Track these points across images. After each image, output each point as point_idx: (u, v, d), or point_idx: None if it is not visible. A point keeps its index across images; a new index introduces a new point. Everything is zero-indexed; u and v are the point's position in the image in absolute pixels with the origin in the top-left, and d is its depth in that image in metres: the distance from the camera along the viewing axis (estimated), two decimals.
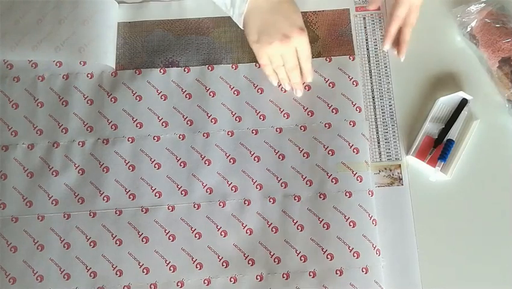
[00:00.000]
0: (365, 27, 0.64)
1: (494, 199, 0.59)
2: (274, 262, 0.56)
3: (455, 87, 0.62)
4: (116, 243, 0.56)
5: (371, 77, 0.62)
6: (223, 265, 0.56)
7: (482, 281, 0.56)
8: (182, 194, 0.58)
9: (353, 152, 0.59)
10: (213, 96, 0.61)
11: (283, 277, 0.55)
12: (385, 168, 0.60)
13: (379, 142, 0.61)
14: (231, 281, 0.55)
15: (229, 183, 0.58)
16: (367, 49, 0.63)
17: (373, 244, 0.56)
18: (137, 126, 0.60)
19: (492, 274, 0.57)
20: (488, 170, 0.60)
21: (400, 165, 0.60)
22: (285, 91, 0.60)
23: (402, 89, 0.62)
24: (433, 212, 0.58)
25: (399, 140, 0.60)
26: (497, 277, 0.57)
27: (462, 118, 0.61)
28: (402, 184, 0.59)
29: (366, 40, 0.64)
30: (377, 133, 0.61)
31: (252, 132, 0.60)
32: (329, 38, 0.64)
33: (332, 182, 0.58)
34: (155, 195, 0.58)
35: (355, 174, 0.58)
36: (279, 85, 0.60)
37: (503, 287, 0.57)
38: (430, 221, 0.58)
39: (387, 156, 0.60)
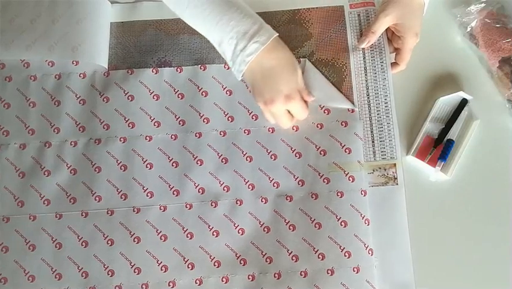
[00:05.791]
0: (359, 24, 0.64)
1: (494, 199, 0.59)
2: (266, 261, 0.56)
3: (455, 87, 0.62)
4: (108, 243, 0.56)
5: (366, 74, 0.62)
6: (214, 265, 0.56)
7: (476, 281, 0.56)
8: (174, 194, 0.58)
9: (345, 152, 0.59)
10: (205, 96, 0.61)
11: (275, 276, 0.55)
12: (380, 168, 0.59)
13: (373, 141, 0.60)
14: (222, 281, 0.55)
15: (221, 183, 0.58)
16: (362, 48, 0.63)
17: (365, 244, 0.56)
18: (129, 126, 0.60)
19: (487, 275, 0.56)
20: (488, 170, 0.60)
21: (395, 164, 0.59)
22: None
23: (402, 89, 0.62)
24: (431, 212, 0.58)
25: (395, 139, 0.60)
26: (491, 278, 0.56)
27: (462, 118, 0.61)
28: (397, 183, 0.59)
29: (361, 37, 0.63)
30: (371, 132, 0.60)
31: (244, 132, 0.60)
32: (322, 35, 0.63)
33: (323, 182, 0.58)
34: (147, 196, 0.58)
35: (346, 174, 0.58)
36: None
37: (497, 288, 0.57)
38: (428, 221, 0.58)
39: (382, 155, 0.60)
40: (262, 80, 0.52)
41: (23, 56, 0.61)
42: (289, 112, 0.56)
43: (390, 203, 0.58)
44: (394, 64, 0.62)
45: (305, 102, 0.57)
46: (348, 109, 0.60)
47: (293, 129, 0.60)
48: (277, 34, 0.52)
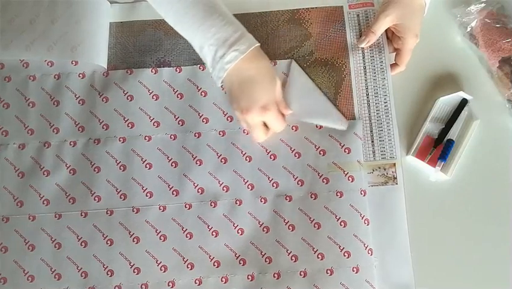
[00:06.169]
0: (359, 24, 0.64)
1: (494, 199, 0.59)
2: (266, 262, 0.56)
3: (455, 87, 0.62)
4: (107, 243, 0.56)
5: (365, 74, 0.62)
6: (214, 265, 0.56)
7: (476, 281, 0.56)
8: (173, 194, 0.58)
9: (345, 151, 0.59)
10: (205, 96, 0.61)
11: (274, 276, 0.55)
12: (379, 167, 0.59)
13: (373, 141, 0.60)
14: (222, 281, 0.55)
15: (221, 183, 0.58)
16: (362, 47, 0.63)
17: (364, 244, 0.56)
18: (128, 126, 0.60)
19: (487, 275, 0.56)
20: (488, 170, 0.60)
21: (395, 164, 0.59)
22: None
23: (402, 89, 0.62)
24: (431, 212, 0.58)
25: (394, 138, 0.60)
26: (491, 278, 0.56)
27: (462, 118, 0.61)
28: (397, 183, 0.59)
29: (360, 37, 0.63)
30: (371, 131, 0.60)
31: (244, 132, 0.60)
32: (322, 35, 0.63)
33: (323, 182, 0.58)
34: (146, 196, 0.58)
35: (346, 174, 0.58)
36: None
37: (497, 288, 0.57)
38: (428, 221, 0.58)
39: (381, 154, 0.60)
40: (239, 88, 0.52)
41: (23, 56, 0.61)
42: (265, 124, 0.55)
43: (389, 202, 0.58)
44: (394, 65, 0.62)
45: (283, 114, 0.56)
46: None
47: (293, 129, 0.60)
48: (259, 44, 0.52)
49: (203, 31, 0.50)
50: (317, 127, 0.60)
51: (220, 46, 0.50)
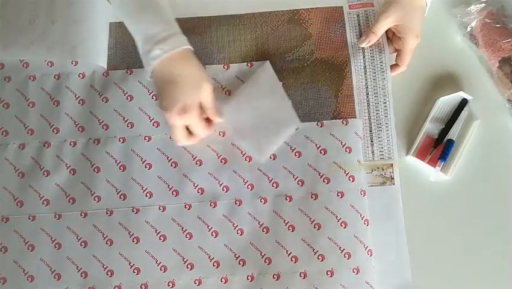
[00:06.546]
0: (359, 24, 0.63)
1: (494, 199, 0.59)
2: (265, 262, 0.56)
3: (455, 87, 0.62)
4: (107, 243, 0.56)
5: (365, 74, 0.62)
6: (214, 266, 0.56)
7: (476, 282, 0.56)
8: (173, 194, 0.58)
9: (346, 151, 0.58)
10: None
11: (274, 277, 0.55)
12: (378, 167, 0.59)
13: (372, 141, 0.60)
14: (221, 281, 0.55)
15: (221, 183, 0.58)
16: (362, 47, 0.63)
17: (364, 245, 0.56)
18: (128, 126, 0.60)
19: (487, 275, 0.56)
20: (488, 170, 0.59)
21: (392, 165, 0.59)
22: None
23: (402, 89, 0.62)
24: (431, 212, 0.58)
25: (392, 139, 0.60)
26: (491, 278, 0.56)
27: (462, 118, 0.61)
28: (394, 184, 0.59)
29: (360, 37, 0.63)
30: (370, 131, 0.60)
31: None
32: (322, 35, 0.63)
33: (324, 182, 0.58)
34: (146, 196, 0.58)
35: (347, 174, 0.58)
36: None
37: (496, 287, 0.57)
38: (428, 221, 0.58)
39: (380, 155, 0.60)
40: (163, 87, 0.52)
41: (22, 56, 0.61)
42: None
43: (387, 203, 0.58)
44: (394, 66, 0.61)
45: (210, 121, 0.56)
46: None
47: None
48: (187, 47, 0.52)
49: (136, 25, 0.52)
50: (317, 125, 0.59)
51: (147, 41, 0.51)
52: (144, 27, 0.52)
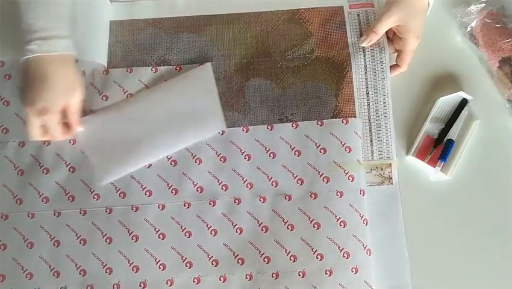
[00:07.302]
0: (359, 24, 0.63)
1: (494, 199, 0.59)
2: (264, 261, 0.56)
3: (455, 87, 0.62)
4: (106, 241, 0.56)
5: (365, 73, 0.61)
6: (212, 264, 0.56)
7: (476, 282, 0.56)
8: (172, 192, 0.58)
9: (345, 150, 0.58)
10: None
11: (272, 276, 0.55)
12: (377, 167, 0.59)
13: (371, 141, 0.60)
14: (220, 280, 0.55)
15: (220, 182, 0.58)
16: (363, 46, 0.62)
17: (363, 244, 0.55)
18: None
19: (486, 276, 0.56)
20: (488, 170, 0.59)
21: (390, 164, 0.59)
22: None
23: (402, 89, 0.62)
24: (431, 212, 0.58)
25: (391, 139, 0.60)
26: (491, 279, 0.56)
27: (462, 118, 0.61)
28: (392, 183, 0.59)
29: (361, 36, 0.62)
30: (370, 131, 0.60)
31: (243, 130, 0.59)
32: (322, 34, 0.63)
33: (323, 181, 0.57)
34: (146, 194, 0.58)
35: (346, 174, 0.58)
36: None
37: (496, 287, 0.56)
38: (428, 220, 0.58)
39: (379, 154, 0.60)
40: (31, 82, 0.52)
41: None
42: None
43: (385, 202, 0.58)
44: (395, 66, 0.61)
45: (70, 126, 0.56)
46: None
47: (293, 126, 0.59)
48: (63, 53, 0.53)
49: (27, 14, 0.52)
50: (317, 124, 0.59)
51: (29, 33, 0.52)
52: (32, 17, 0.52)
